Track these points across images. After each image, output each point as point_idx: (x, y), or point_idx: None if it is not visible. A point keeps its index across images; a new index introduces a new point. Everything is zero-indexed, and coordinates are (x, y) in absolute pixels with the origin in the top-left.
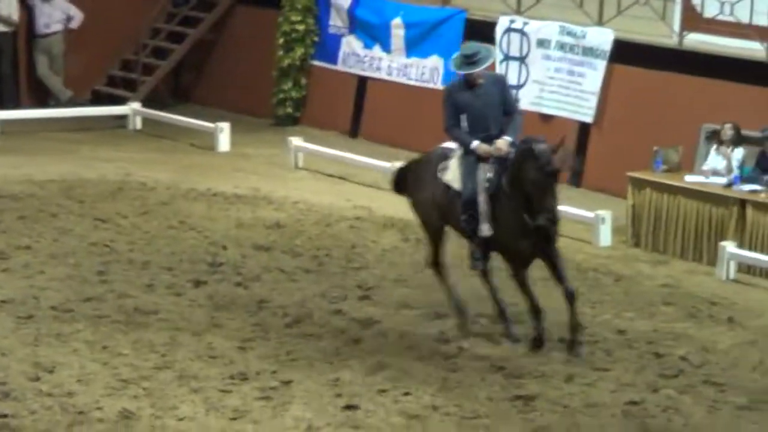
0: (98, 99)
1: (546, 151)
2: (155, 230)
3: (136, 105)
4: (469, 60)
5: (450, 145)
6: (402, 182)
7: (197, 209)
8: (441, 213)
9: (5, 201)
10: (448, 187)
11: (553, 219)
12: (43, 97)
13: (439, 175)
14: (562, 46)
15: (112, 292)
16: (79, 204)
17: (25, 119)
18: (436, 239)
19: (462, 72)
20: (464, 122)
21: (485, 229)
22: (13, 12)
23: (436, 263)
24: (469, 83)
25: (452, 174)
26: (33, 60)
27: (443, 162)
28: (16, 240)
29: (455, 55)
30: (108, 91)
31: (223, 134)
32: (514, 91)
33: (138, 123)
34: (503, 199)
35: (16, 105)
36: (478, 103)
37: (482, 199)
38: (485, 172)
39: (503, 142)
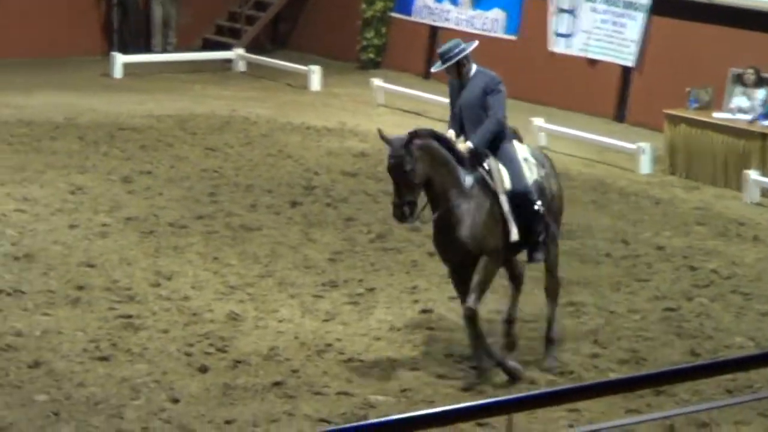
0: (208, 45)
1: (392, 144)
2: (257, 158)
3: (240, 50)
4: (443, 57)
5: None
6: None
7: (293, 140)
8: None
9: (129, 133)
10: None
11: (400, 215)
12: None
13: None
14: (606, 0)
15: (221, 211)
16: (192, 135)
17: (147, 62)
18: None
19: (435, 69)
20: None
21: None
22: None
23: None
24: (459, 77)
25: None
26: (151, 10)
27: None
28: (139, 166)
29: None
30: (216, 39)
31: (315, 75)
32: (500, 96)
33: (242, 66)
34: None
35: (141, 50)
36: (460, 99)
37: None
38: None
39: (462, 146)
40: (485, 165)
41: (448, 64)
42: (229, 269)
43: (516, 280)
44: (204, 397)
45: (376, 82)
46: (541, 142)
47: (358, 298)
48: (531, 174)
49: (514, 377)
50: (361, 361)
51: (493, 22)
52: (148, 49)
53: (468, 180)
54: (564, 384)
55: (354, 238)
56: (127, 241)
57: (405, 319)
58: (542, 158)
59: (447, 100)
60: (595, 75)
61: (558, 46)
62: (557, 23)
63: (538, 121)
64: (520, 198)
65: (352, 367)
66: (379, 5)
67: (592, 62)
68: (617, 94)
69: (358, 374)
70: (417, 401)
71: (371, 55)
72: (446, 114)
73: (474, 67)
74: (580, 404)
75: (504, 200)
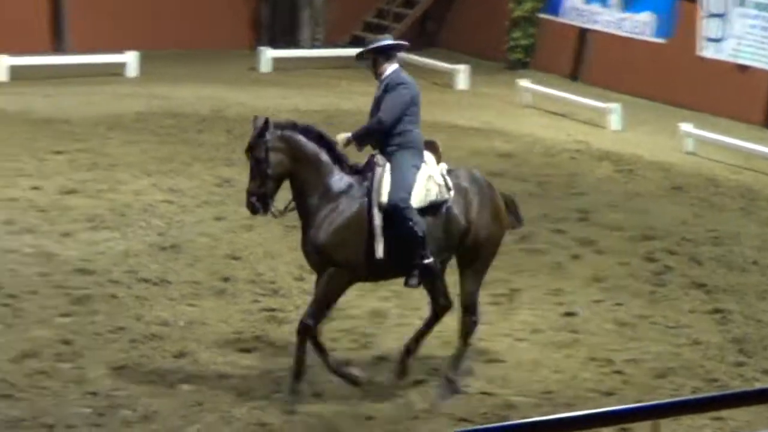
0: (355, 42)
1: (254, 129)
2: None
3: None
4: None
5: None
6: None
7: (438, 139)
8: None
9: None
10: None
11: (249, 206)
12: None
13: None
14: (757, 5)
15: None
16: (337, 131)
17: (294, 57)
18: None
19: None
20: None
21: None
22: None
23: None
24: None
25: None
26: (300, 5)
27: None
28: None
29: None
30: (364, 36)
31: (462, 75)
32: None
33: None
34: None
35: (289, 45)
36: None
37: None
38: None
39: (340, 136)
40: (375, 172)
41: (360, 51)
42: None
43: (435, 309)
44: (345, 392)
45: (523, 82)
46: (688, 148)
47: (502, 299)
48: (427, 193)
49: (355, 383)
50: (503, 361)
51: (643, 25)
52: (295, 44)
53: (340, 183)
54: (709, 392)
55: None
56: (272, 235)
57: (548, 321)
58: (467, 183)
59: (594, 102)
60: (744, 81)
61: (707, 51)
62: (707, 27)
63: (687, 127)
64: (391, 212)
65: (494, 368)
66: (528, 5)
67: (742, 68)
68: (767, 101)
69: (499, 375)
70: (559, 404)
71: (519, 56)
72: (593, 116)
73: (392, 68)
74: (725, 413)
75: (376, 213)
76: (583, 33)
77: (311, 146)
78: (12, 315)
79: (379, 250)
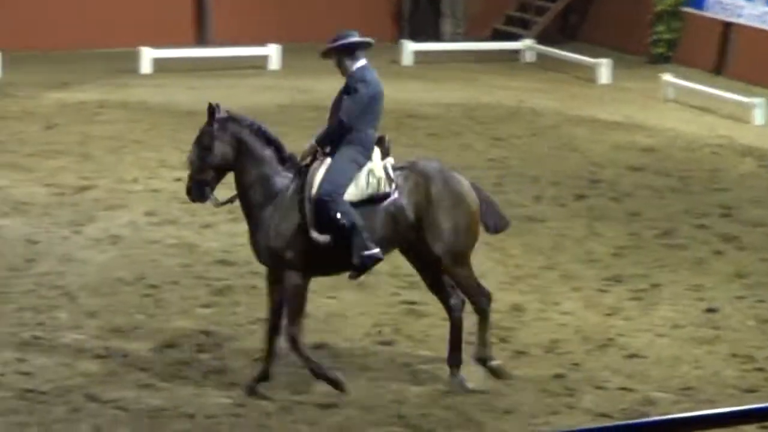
0: (497, 35)
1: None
2: (543, 150)
3: (529, 41)
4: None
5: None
6: None
7: (580, 133)
8: None
9: (417, 120)
10: None
11: (189, 192)
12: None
13: None
14: None
15: (506, 201)
16: (479, 124)
17: (436, 51)
18: None
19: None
20: None
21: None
22: None
23: None
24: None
25: None
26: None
27: None
28: (426, 153)
29: None
30: (505, 29)
31: (604, 69)
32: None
33: (530, 57)
34: None
35: (429, 38)
36: None
37: None
38: None
39: (306, 146)
40: (312, 167)
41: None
42: (512, 260)
43: (452, 313)
44: (484, 385)
45: (666, 77)
46: None
47: (642, 294)
48: (367, 186)
49: (338, 387)
50: (644, 357)
51: None
52: (437, 37)
53: (283, 181)
54: None
55: (639, 233)
56: None
57: (689, 316)
58: (422, 177)
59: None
60: None
61: None
62: None
63: None
64: (319, 204)
65: (634, 363)
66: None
67: None
68: None
69: (639, 370)
70: (700, 400)
71: (661, 50)
72: (737, 111)
73: (356, 66)
74: None
75: (308, 206)
76: (727, 27)
77: (257, 143)
78: (154, 305)
79: (317, 242)
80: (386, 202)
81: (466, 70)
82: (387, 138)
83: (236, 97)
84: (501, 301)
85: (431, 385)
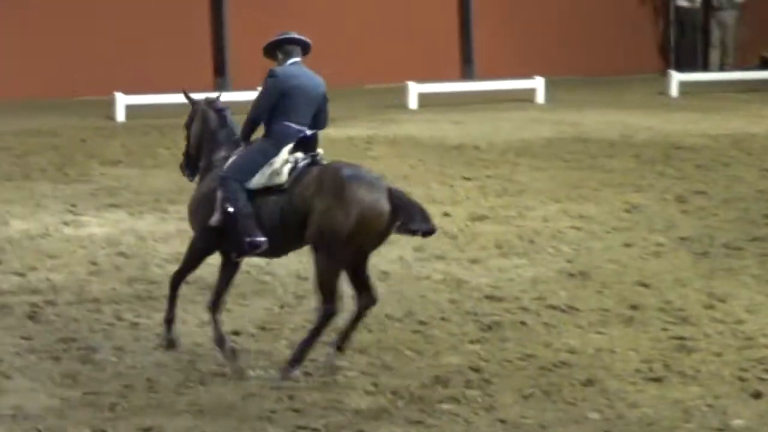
0: (765, 64)
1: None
2: None
3: None
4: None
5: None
6: None
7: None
8: None
9: (685, 152)
10: None
11: (181, 169)
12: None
13: None
14: None
15: None
16: (748, 155)
17: (703, 81)
18: None
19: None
20: None
21: None
22: None
23: None
24: None
25: None
26: (710, 27)
27: None
28: (694, 185)
29: None
30: None
31: None
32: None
33: None
34: None
35: (695, 68)
36: None
37: None
38: None
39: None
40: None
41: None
42: None
43: (361, 298)
44: (757, 423)
45: None
46: None
47: None
48: (269, 177)
49: (231, 361)
50: None
51: None
52: (705, 67)
53: (219, 161)
54: None
55: None
56: (681, 262)
57: None
58: (321, 174)
59: None
60: None
61: None
62: None
63: None
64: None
65: None
66: None
67: None
68: None
69: None
70: None
71: None
72: None
73: (288, 62)
74: None
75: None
76: None
77: (214, 125)
78: (423, 341)
79: (213, 220)
80: (279, 194)
81: (733, 99)
82: (318, 134)
83: (502, 131)
84: None
85: (702, 423)
